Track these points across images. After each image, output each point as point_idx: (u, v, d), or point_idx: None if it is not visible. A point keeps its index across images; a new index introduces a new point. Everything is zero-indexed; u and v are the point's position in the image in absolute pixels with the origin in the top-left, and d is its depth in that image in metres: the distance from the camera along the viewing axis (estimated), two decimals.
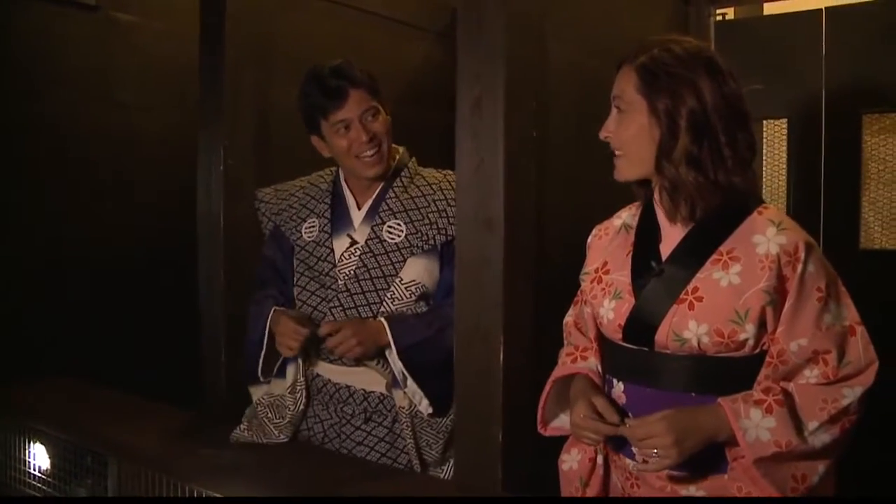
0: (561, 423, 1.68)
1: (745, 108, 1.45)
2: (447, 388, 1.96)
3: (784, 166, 3.04)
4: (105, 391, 2.54)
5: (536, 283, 1.78)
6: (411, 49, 3.18)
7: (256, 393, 2.20)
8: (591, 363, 1.60)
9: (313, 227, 2.17)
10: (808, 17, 2.96)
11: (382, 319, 2.03)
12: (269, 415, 2.13)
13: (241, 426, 2.15)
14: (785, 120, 3.02)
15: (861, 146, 2.90)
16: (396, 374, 2.03)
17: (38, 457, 2.20)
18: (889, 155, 2.91)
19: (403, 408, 2.05)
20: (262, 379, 2.15)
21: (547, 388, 1.64)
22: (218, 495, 1.77)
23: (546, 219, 1.86)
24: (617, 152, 1.51)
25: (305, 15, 2.70)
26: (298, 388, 2.11)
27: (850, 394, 1.41)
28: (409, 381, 2.01)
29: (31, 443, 2.21)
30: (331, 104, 2.05)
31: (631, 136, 1.47)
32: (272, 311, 2.09)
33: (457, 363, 1.78)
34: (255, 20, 2.45)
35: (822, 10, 2.90)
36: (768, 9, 3.48)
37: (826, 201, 2.93)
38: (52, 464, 2.16)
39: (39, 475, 2.19)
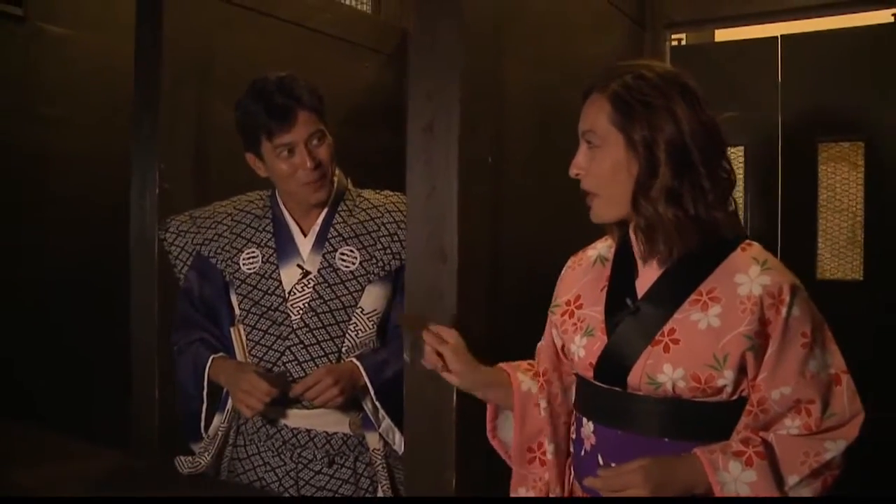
0: (505, 434, 1.59)
1: (722, 136, 1.36)
2: None
3: (741, 194, 3.01)
4: (22, 428, 2.35)
5: (490, 317, 1.67)
6: (359, 70, 3.07)
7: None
8: (524, 380, 1.54)
9: (254, 257, 2.01)
10: (764, 45, 2.95)
11: (353, 359, 1.91)
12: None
13: (186, 458, 2.02)
14: (742, 147, 3.00)
15: (818, 175, 2.89)
16: (369, 414, 1.90)
17: None
18: (837, 183, 2.90)
19: (378, 450, 1.93)
20: (206, 437, 2.01)
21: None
22: None
23: (501, 250, 1.75)
24: (590, 193, 1.39)
25: (249, 32, 2.57)
26: (220, 432, 1.98)
27: (833, 447, 1.32)
28: (385, 419, 1.90)
29: None
30: (276, 126, 1.89)
31: (606, 173, 1.36)
32: (210, 361, 1.95)
33: (407, 406, 1.67)
34: (194, 35, 2.33)
35: (777, 37, 2.91)
36: (720, 35, 3.47)
37: (783, 230, 2.91)
38: None
39: None
